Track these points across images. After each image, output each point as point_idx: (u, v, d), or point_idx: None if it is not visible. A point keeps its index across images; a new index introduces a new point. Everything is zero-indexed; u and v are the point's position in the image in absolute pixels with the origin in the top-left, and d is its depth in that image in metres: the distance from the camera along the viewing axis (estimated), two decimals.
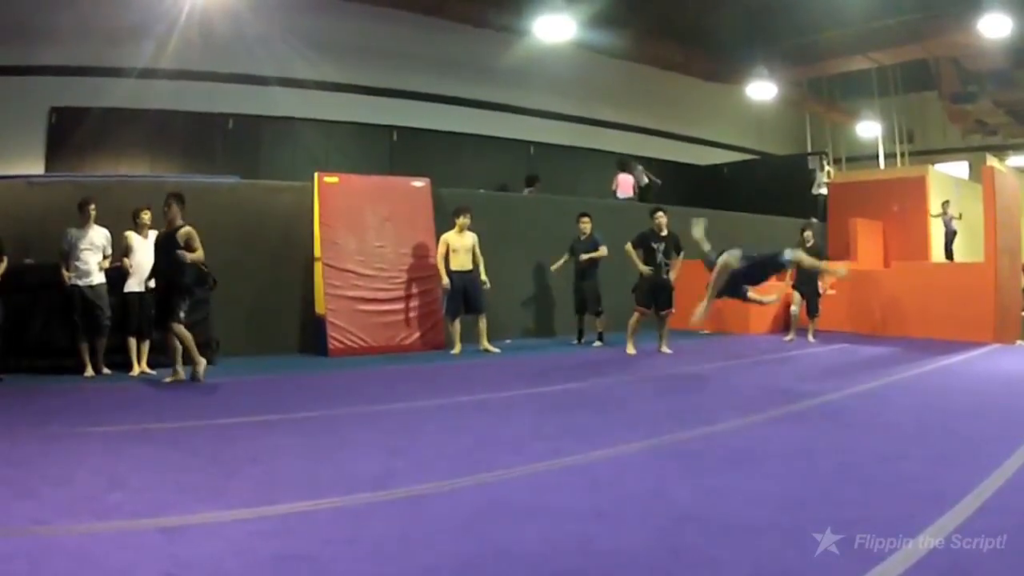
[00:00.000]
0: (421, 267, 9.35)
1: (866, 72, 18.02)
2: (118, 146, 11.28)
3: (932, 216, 14.21)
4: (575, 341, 10.03)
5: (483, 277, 9.07)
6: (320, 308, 8.93)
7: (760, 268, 7.12)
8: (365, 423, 5.17)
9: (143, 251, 7.23)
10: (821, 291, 10.27)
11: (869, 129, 20.14)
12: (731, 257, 6.84)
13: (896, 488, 3.55)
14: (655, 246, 8.92)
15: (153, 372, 7.23)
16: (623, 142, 16.76)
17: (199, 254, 6.71)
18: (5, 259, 6.84)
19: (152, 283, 7.13)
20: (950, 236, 14.05)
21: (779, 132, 20.88)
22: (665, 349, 8.95)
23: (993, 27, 12.80)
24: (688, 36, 15.74)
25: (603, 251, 9.62)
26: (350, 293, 8.88)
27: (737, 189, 16.71)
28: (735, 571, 2.63)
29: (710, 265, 7.10)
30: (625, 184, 13.41)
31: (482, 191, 11.44)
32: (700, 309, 7.09)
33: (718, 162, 18.45)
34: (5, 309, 6.81)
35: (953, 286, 10.12)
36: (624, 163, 13.81)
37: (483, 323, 9.08)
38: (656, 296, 8.94)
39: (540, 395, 6.28)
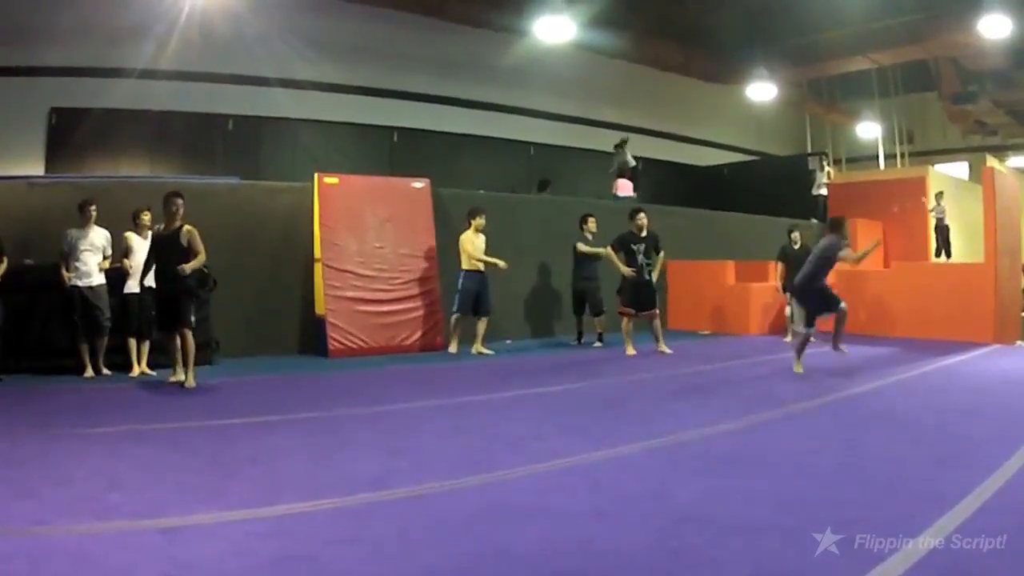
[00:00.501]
0: (421, 268, 9.35)
1: (866, 72, 18.03)
2: (118, 147, 11.29)
3: (929, 210, 14.15)
4: (575, 342, 10.03)
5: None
6: (320, 309, 8.93)
7: (818, 284, 7.46)
8: (365, 423, 5.17)
9: (143, 252, 7.22)
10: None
11: (869, 129, 20.15)
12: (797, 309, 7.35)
13: (896, 488, 3.55)
14: (635, 247, 8.93)
15: (153, 372, 7.23)
16: None
17: (202, 257, 6.58)
18: (5, 259, 6.84)
19: (149, 282, 7.03)
20: (944, 232, 13.89)
21: (779, 133, 20.89)
22: (664, 349, 8.95)
23: (993, 27, 12.81)
24: (688, 36, 15.76)
25: (600, 251, 9.61)
26: (350, 294, 8.88)
27: (737, 190, 16.72)
28: (735, 571, 2.63)
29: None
30: (625, 187, 13.41)
31: (482, 192, 11.44)
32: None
33: (718, 163, 18.46)
34: (5, 309, 6.80)
35: (953, 286, 10.12)
36: (622, 170, 13.73)
37: (484, 326, 9.07)
38: (639, 297, 8.95)
39: (540, 395, 6.28)
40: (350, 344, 8.68)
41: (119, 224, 7.40)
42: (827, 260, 7.42)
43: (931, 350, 8.84)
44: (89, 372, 7.14)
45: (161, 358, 7.20)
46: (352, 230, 9.12)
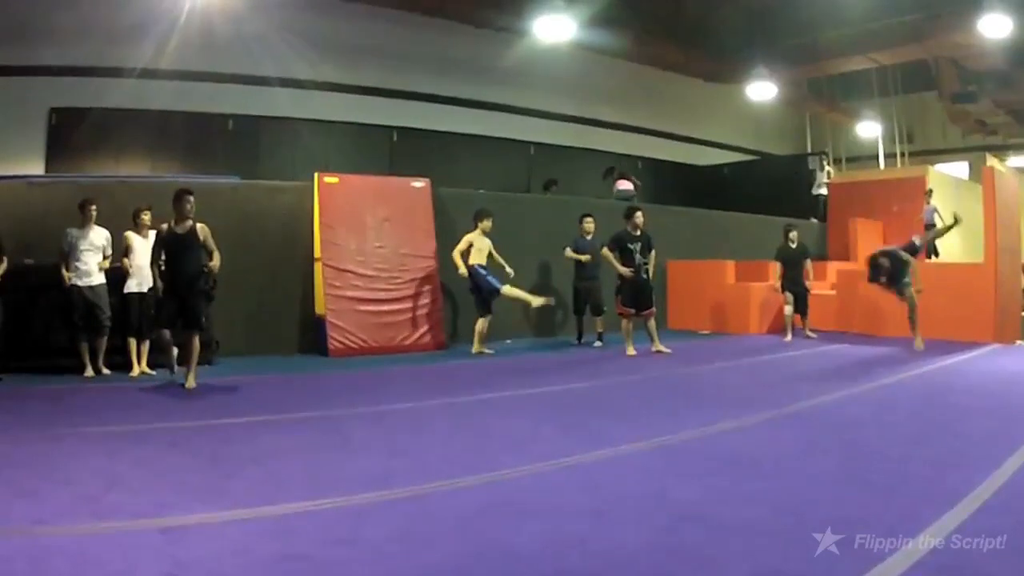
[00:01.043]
0: (421, 267, 9.35)
1: (866, 72, 18.03)
2: (118, 146, 11.28)
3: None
4: (575, 341, 10.03)
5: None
6: (320, 308, 8.93)
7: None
8: (365, 423, 5.17)
9: (143, 251, 7.21)
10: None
11: (869, 129, 20.15)
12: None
13: (896, 488, 3.55)
14: (631, 247, 8.93)
15: (153, 372, 7.23)
16: (623, 142, 16.78)
17: (218, 257, 6.54)
18: (5, 259, 6.84)
19: (157, 282, 6.98)
20: (933, 234, 13.72)
21: (779, 132, 20.89)
22: (662, 348, 8.95)
23: (993, 27, 12.80)
24: (688, 36, 15.74)
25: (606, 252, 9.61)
26: (350, 293, 8.88)
27: (737, 189, 16.72)
28: (735, 571, 2.63)
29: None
30: (624, 183, 13.42)
31: (482, 191, 11.44)
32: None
33: (718, 162, 18.45)
34: (5, 309, 6.81)
35: (953, 286, 10.11)
36: (621, 172, 13.74)
37: (486, 326, 9.06)
38: (637, 297, 8.94)
39: (540, 395, 6.28)
40: (350, 344, 8.68)
41: (119, 224, 7.40)
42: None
43: (931, 350, 8.84)
44: (89, 372, 7.14)
45: (161, 358, 7.19)
46: (352, 230, 9.12)
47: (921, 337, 8.90)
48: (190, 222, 6.53)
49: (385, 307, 9.05)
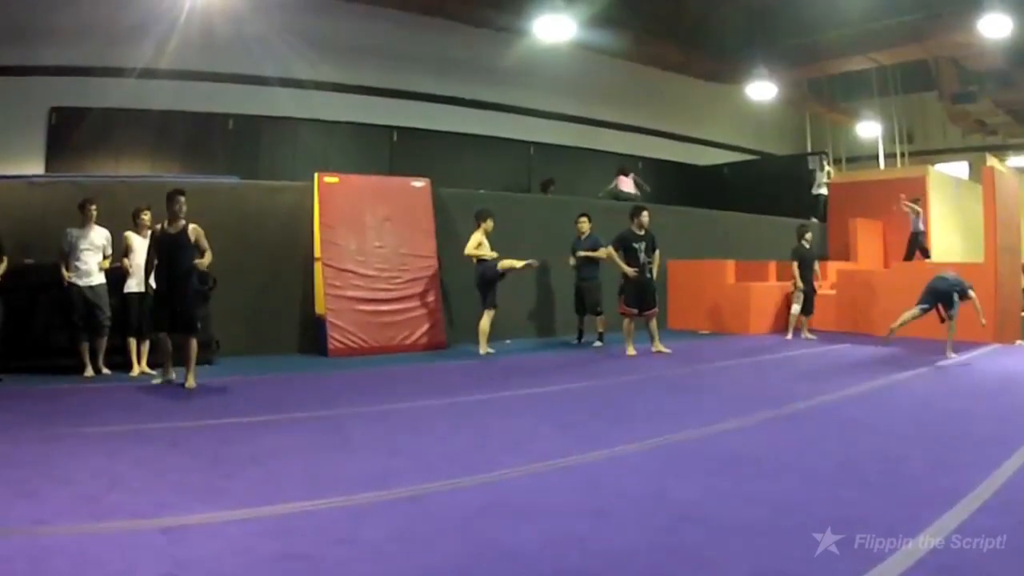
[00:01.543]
0: (421, 267, 9.35)
1: (866, 72, 18.02)
2: (118, 146, 11.28)
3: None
4: (575, 341, 10.03)
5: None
6: (320, 308, 8.93)
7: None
8: (365, 423, 5.17)
9: (143, 251, 7.21)
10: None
11: (869, 129, 20.14)
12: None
13: (896, 488, 3.55)
14: (636, 246, 8.91)
15: (153, 372, 7.22)
16: (623, 142, 16.76)
17: (209, 255, 6.60)
18: (5, 259, 6.84)
19: (152, 282, 7.02)
20: (918, 236, 13.68)
21: (779, 132, 20.88)
22: (662, 348, 8.95)
23: (993, 27, 12.79)
24: (688, 36, 15.74)
25: (602, 252, 9.60)
26: (350, 293, 8.88)
27: (737, 189, 16.72)
28: (735, 571, 2.63)
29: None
30: (626, 183, 13.42)
31: (482, 191, 11.44)
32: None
33: (718, 162, 18.45)
34: (5, 309, 6.81)
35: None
36: (623, 168, 13.79)
37: (489, 322, 9.05)
38: (642, 297, 8.94)
39: (540, 395, 6.28)
40: (350, 343, 8.68)
41: (119, 223, 7.40)
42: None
43: (931, 350, 8.84)
44: (89, 371, 7.13)
45: (159, 357, 7.19)
46: (352, 229, 9.12)
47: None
48: (182, 222, 6.57)
49: (385, 307, 9.05)
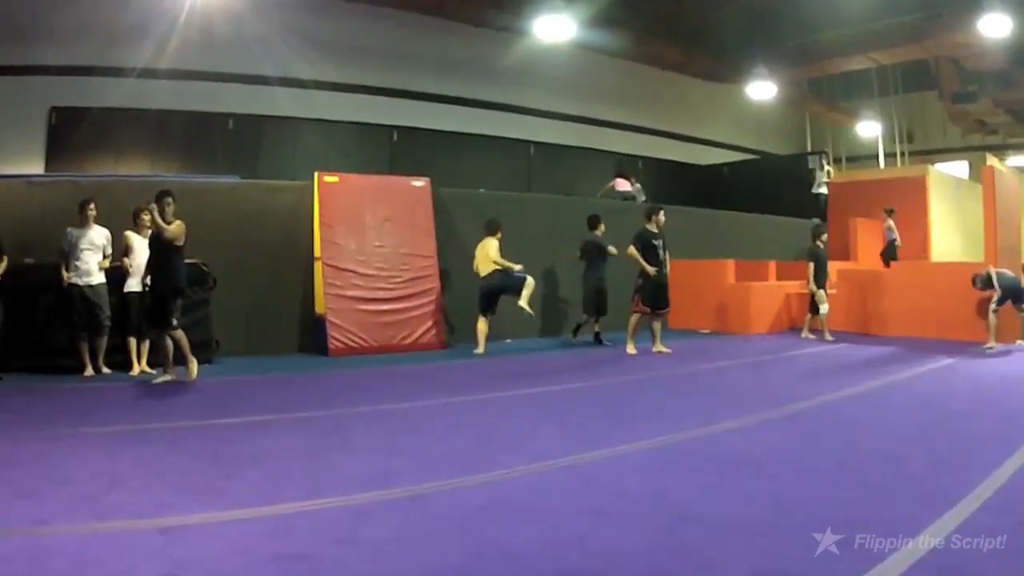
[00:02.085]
0: (421, 267, 9.34)
1: (866, 72, 18.03)
2: (118, 146, 11.29)
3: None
4: (593, 341, 9.95)
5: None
6: (320, 308, 8.92)
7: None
8: (365, 423, 5.17)
9: (143, 251, 7.22)
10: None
11: (869, 129, 20.15)
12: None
13: (896, 488, 3.55)
14: (655, 243, 8.92)
15: (153, 372, 7.22)
16: (623, 142, 16.77)
17: (167, 230, 6.53)
18: (5, 259, 6.84)
19: (148, 281, 7.07)
20: (893, 244, 13.71)
21: (779, 132, 20.89)
22: (663, 348, 8.95)
23: (993, 27, 12.80)
24: (688, 36, 15.74)
25: (612, 249, 9.59)
26: (350, 293, 8.88)
27: (737, 189, 16.73)
28: (735, 571, 2.63)
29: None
30: (622, 184, 13.42)
31: (482, 191, 11.44)
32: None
33: (718, 162, 18.46)
34: (5, 309, 6.81)
35: (953, 286, 10.11)
36: (622, 170, 13.76)
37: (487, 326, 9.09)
38: (659, 296, 8.95)
39: (540, 395, 6.28)
40: (350, 343, 8.68)
41: (119, 223, 7.40)
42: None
43: (931, 350, 8.84)
44: (89, 371, 7.13)
45: (161, 357, 7.19)
46: (352, 229, 9.12)
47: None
48: (171, 220, 6.65)
49: (385, 306, 9.05)
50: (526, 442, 4.53)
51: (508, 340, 9.88)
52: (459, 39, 14.10)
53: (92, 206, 7.29)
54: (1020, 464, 3.90)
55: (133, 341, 7.32)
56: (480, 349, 8.92)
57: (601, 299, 9.75)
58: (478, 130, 14.52)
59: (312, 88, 12.58)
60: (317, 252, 9.01)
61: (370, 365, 8.02)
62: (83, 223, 7.25)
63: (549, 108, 15.65)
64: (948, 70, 17.67)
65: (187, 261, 7.00)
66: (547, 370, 7.98)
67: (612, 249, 9.61)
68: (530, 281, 8.98)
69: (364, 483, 3.64)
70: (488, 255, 8.99)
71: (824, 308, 10.31)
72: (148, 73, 11.07)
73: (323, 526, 3.07)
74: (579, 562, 2.70)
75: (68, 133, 10.90)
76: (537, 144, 15.41)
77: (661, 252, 8.93)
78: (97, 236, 7.31)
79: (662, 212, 9.13)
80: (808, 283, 10.33)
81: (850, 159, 21.55)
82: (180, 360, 6.72)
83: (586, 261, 9.78)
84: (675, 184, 16.38)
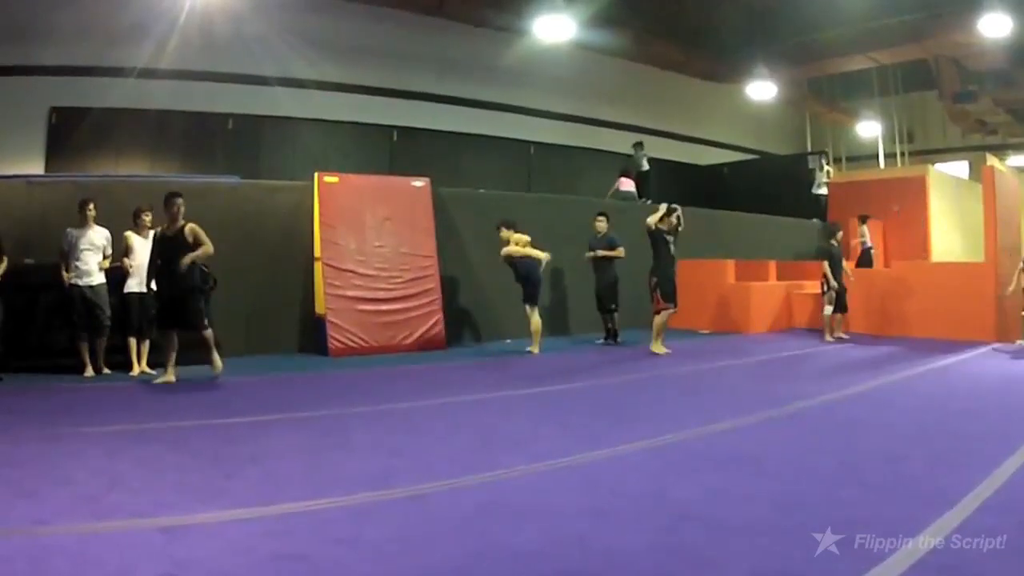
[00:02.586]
0: (421, 267, 9.34)
1: (866, 72, 18.02)
2: (118, 146, 11.28)
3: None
4: (600, 340, 9.97)
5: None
6: (320, 308, 8.92)
7: None
8: (365, 423, 5.17)
9: (143, 251, 7.22)
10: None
11: (869, 129, 20.14)
12: None
13: (896, 488, 3.55)
14: (669, 239, 9.01)
15: (153, 372, 7.23)
16: (623, 142, 16.73)
17: (208, 247, 6.67)
18: (5, 259, 6.84)
19: (153, 284, 7.05)
20: (868, 252, 13.71)
21: (779, 132, 20.88)
22: (664, 348, 8.94)
23: (993, 27, 12.80)
24: (688, 36, 15.74)
25: (620, 251, 9.62)
26: (350, 293, 8.88)
27: (737, 189, 16.72)
28: (735, 571, 2.63)
29: None
30: (626, 184, 13.44)
31: (482, 191, 11.44)
32: None
33: (718, 162, 18.45)
34: (5, 309, 6.81)
35: (953, 286, 10.11)
36: (627, 169, 13.81)
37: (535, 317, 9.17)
38: (676, 292, 9.06)
39: (540, 395, 6.28)
40: (350, 343, 8.68)
41: (119, 223, 7.40)
42: None
43: (931, 350, 8.84)
44: (89, 371, 7.14)
45: (162, 357, 7.20)
46: (352, 229, 9.12)
47: None
48: (180, 223, 6.69)
49: (385, 307, 9.04)
50: (526, 442, 4.53)
51: (508, 340, 9.89)
52: (459, 39, 14.10)
53: (92, 206, 7.29)
54: (1020, 464, 3.90)
55: (133, 341, 7.33)
56: (536, 348, 9.02)
57: (611, 296, 9.86)
58: (478, 130, 14.52)
59: (312, 88, 12.58)
60: (317, 252, 9.01)
61: (370, 365, 8.02)
62: (83, 223, 7.25)
63: (549, 108, 15.65)
64: (948, 70, 17.66)
65: None
66: (546, 370, 7.98)
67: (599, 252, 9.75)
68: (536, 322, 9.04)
69: (364, 483, 3.64)
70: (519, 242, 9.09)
71: (827, 309, 10.30)
72: (148, 73, 11.06)
73: (323, 526, 3.07)
74: (579, 562, 2.70)
75: (68, 133, 10.90)
76: (537, 144, 15.40)
77: (673, 247, 9.04)
78: (97, 236, 7.31)
79: (678, 210, 9.15)
80: (827, 281, 10.18)
81: (850, 159, 21.55)
82: (185, 361, 6.73)
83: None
84: (675, 184, 16.37)
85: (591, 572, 2.63)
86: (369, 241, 9.19)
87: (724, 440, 4.61)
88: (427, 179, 9.91)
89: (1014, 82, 17.05)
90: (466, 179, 12.50)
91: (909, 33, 14.85)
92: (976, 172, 17.22)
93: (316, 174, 9.24)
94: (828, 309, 10.31)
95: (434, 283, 9.37)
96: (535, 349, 8.97)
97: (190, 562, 2.68)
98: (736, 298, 11.66)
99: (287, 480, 3.73)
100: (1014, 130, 19.77)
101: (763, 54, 15.68)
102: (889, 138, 19.94)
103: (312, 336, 8.96)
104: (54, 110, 10.95)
